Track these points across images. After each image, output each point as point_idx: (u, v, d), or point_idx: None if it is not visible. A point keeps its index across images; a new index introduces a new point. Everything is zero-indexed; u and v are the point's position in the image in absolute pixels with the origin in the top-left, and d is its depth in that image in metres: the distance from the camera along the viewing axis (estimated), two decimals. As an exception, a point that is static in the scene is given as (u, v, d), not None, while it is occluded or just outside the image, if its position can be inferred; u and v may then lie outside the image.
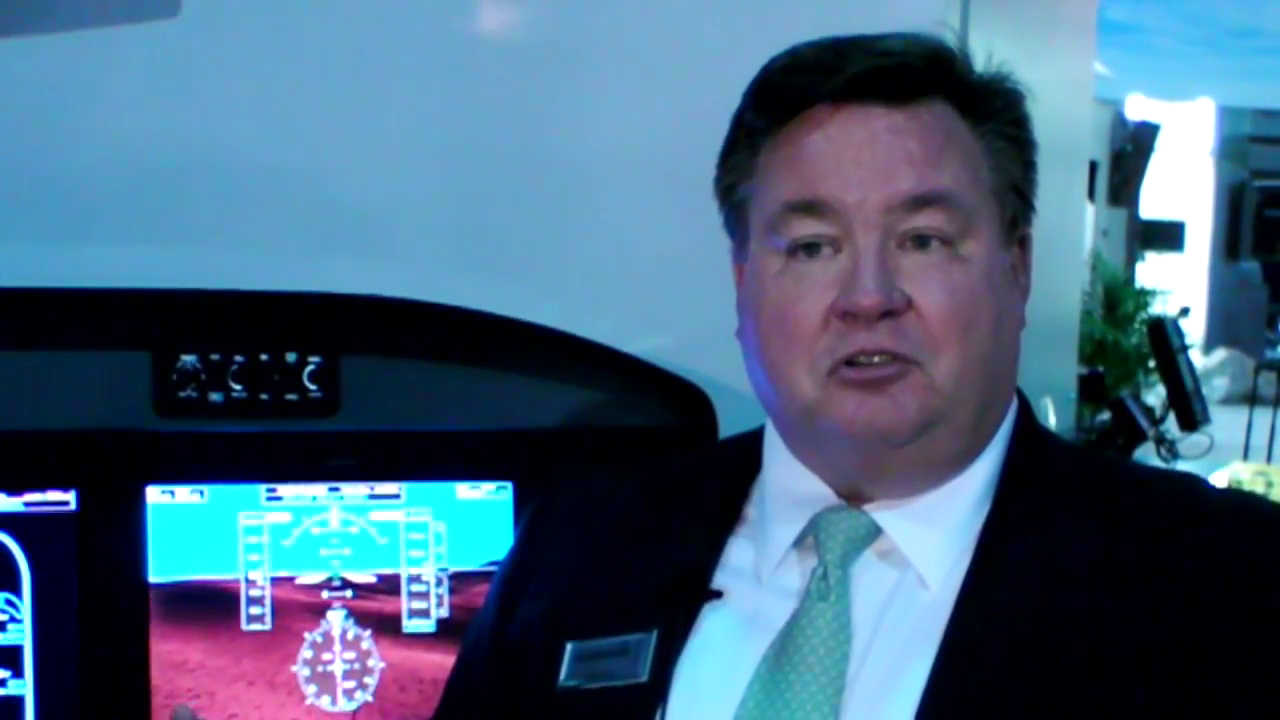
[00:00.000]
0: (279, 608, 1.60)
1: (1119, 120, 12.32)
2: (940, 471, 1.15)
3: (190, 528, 1.58)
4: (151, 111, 1.79)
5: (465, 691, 1.32)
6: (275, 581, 1.60)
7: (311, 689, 1.60)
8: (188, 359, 1.63)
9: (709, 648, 1.15)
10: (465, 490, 1.63)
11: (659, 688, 1.13)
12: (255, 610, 1.59)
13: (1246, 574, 1.09)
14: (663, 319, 1.81)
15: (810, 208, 1.11)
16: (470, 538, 1.63)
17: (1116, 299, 10.05)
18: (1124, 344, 9.41)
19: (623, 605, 1.19)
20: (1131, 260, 13.02)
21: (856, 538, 1.15)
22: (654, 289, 1.82)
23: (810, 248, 1.11)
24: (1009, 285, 1.16)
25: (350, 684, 1.61)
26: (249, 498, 1.60)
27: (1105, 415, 5.14)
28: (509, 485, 1.64)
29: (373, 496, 1.62)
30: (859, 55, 1.11)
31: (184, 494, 1.58)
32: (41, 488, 1.56)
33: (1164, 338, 5.65)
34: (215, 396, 1.64)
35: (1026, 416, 1.21)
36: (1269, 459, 6.95)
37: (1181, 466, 4.81)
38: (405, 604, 1.62)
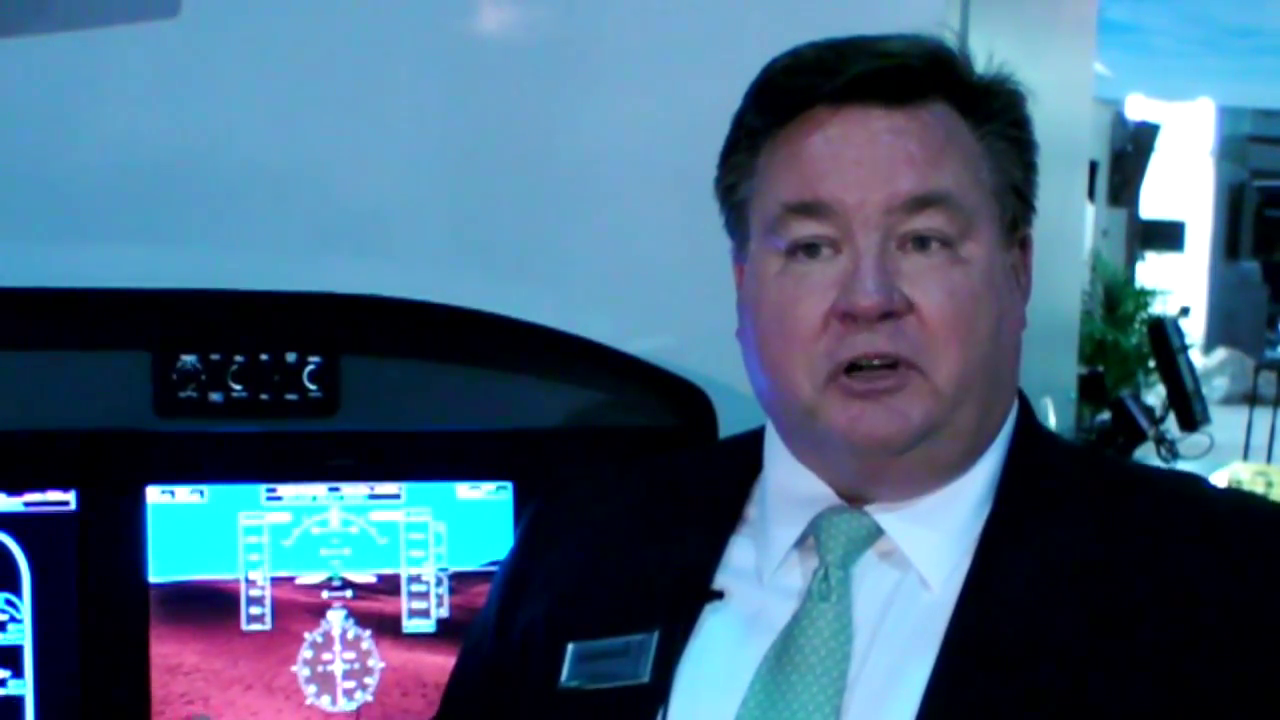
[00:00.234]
0: (279, 608, 1.60)
1: (1119, 120, 12.32)
2: (942, 473, 1.15)
3: (190, 528, 1.58)
4: (151, 111, 1.79)
5: (466, 692, 1.32)
6: (275, 581, 1.60)
7: (311, 689, 1.60)
8: (188, 359, 1.63)
9: (710, 648, 1.15)
10: (465, 490, 1.63)
11: (660, 688, 1.13)
12: (255, 610, 1.59)
13: (1247, 574, 1.09)
14: (663, 319, 1.81)
15: (810, 209, 1.10)
16: (470, 538, 1.63)
17: (1116, 299, 10.05)
18: (1124, 344, 9.41)
19: (624, 606, 1.19)
20: (1131, 260, 13.01)
21: (857, 538, 1.15)
22: (654, 289, 1.82)
23: (810, 249, 1.11)
24: (1010, 286, 1.16)
25: (350, 684, 1.61)
26: (249, 498, 1.60)
27: (1105, 415, 5.14)
28: (509, 485, 1.63)
29: (373, 496, 1.62)
30: (859, 56, 1.11)
31: (184, 494, 1.58)
32: (41, 488, 1.56)
33: (1164, 338, 5.65)
34: (215, 396, 1.64)
35: (1027, 417, 1.21)
36: (1269, 459, 6.95)
37: (1181, 466, 4.81)
38: (405, 604, 1.62)
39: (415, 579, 1.62)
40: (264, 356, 1.65)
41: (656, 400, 1.70)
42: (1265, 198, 15.95)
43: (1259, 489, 4.27)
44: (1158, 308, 10.15)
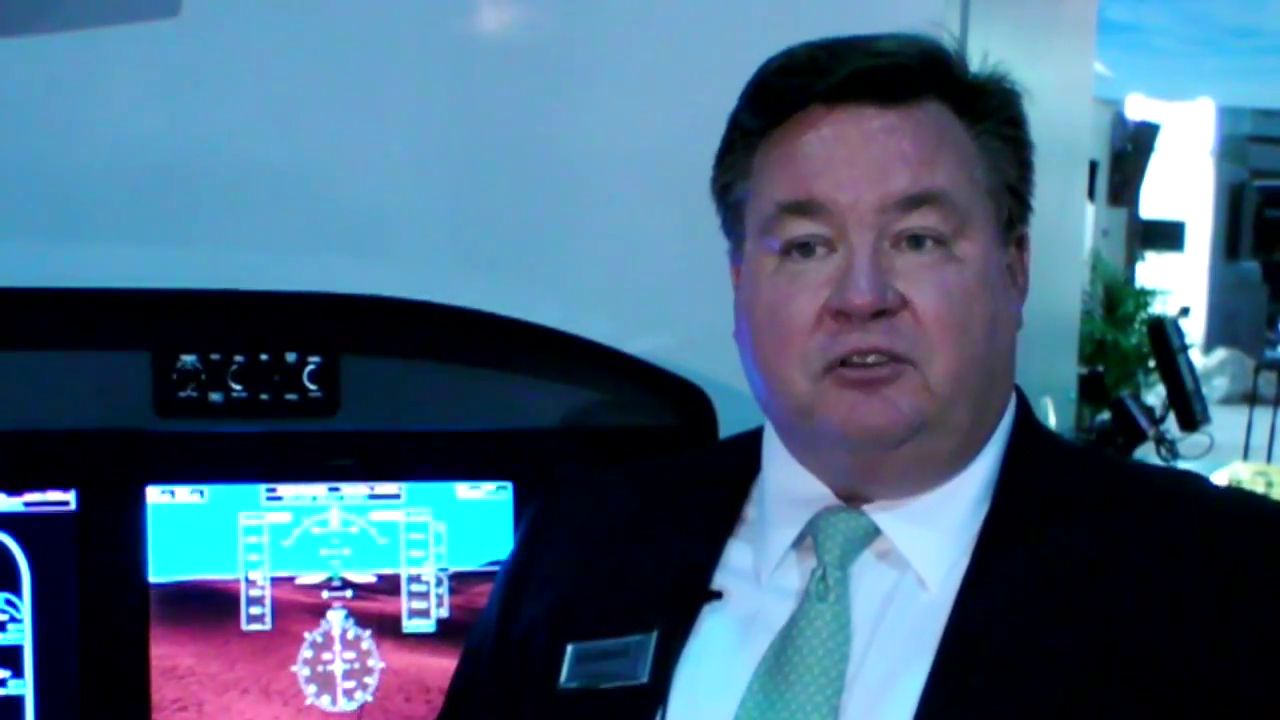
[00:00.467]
0: (279, 608, 1.60)
1: (1119, 120, 12.31)
2: (937, 471, 1.15)
3: (190, 528, 1.58)
4: (151, 111, 1.79)
5: (468, 693, 1.32)
6: (275, 581, 1.60)
7: (311, 689, 1.60)
8: (188, 359, 1.63)
9: (709, 649, 1.15)
10: (465, 490, 1.63)
11: (659, 689, 1.13)
12: (255, 610, 1.59)
13: (1247, 573, 1.09)
14: (662, 319, 1.81)
15: (804, 208, 1.11)
16: (470, 538, 1.63)
17: (1116, 299, 10.04)
18: (1124, 344, 9.40)
19: (623, 606, 1.19)
20: (1131, 260, 13.01)
21: (855, 538, 1.15)
22: (654, 289, 1.82)
23: (804, 248, 1.11)
24: (1005, 285, 1.16)
25: (350, 684, 1.61)
26: (249, 498, 1.60)
27: (1105, 415, 5.14)
28: (509, 485, 1.64)
29: (373, 496, 1.62)
30: (853, 55, 1.11)
31: (184, 494, 1.58)
32: (41, 488, 1.56)
33: (1164, 338, 5.65)
34: (215, 396, 1.64)
35: (1026, 416, 1.21)
36: (1269, 459, 6.94)
37: (1181, 466, 4.81)
38: (405, 604, 1.62)
39: (415, 579, 1.62)
40: (264, 356, 1.65)
41: (656, 400, 1.70)
42: (1265, 198, 15.93)
43: (1259, 489, 4.27)
44: (1158, 308, 10.14)
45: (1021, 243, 1.19)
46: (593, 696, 1.16)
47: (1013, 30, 2.15)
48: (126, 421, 1.61)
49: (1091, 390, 4.96)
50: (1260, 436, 7.22)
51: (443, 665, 1.56)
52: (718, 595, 1.17)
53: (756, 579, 1.18)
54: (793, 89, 1.12)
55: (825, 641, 1.11)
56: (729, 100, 1.19)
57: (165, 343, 1.63)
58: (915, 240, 1.10)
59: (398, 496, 1.62)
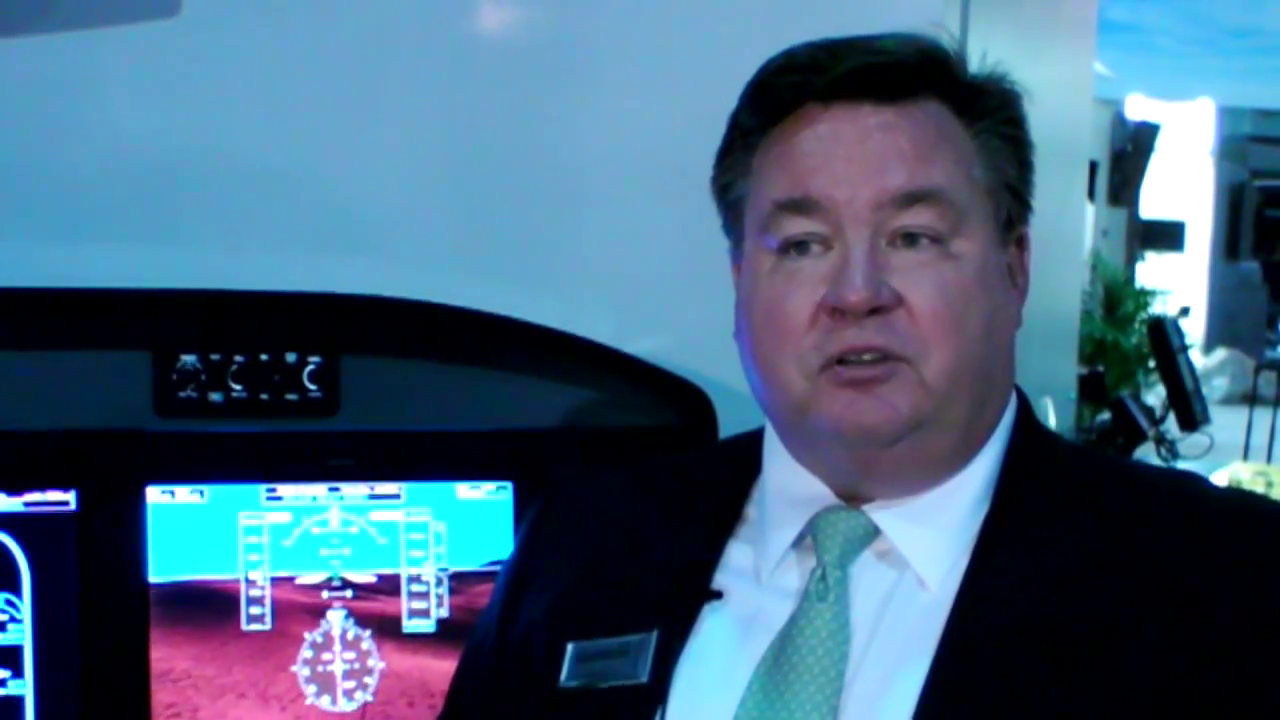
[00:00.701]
0: (279, 608, 1.60)
1: (1119, 120, 12.32)
2: (935, 470, 1.15)
3: (190, 528, 1.58)
4: (151, 111, 1.79)
5: (469, 692, 1.32)
6: (275, 582, 1.60)
7: (311, 689, 1.60)
8: (188, 359, 1.63)
9: (708, 648, 1.15)
10: (465, 490, 1.63)
11: (658, 688, 1.13)
12: (255, 610, 1.59)
13: (1247, 574, 1.09)
14: (662, 319, 1.81)
15: (800, 205, 1.11)
16: (470, 538, 1.63)
17: (1116, 299, 10.04)
18: (1124, 344, 9.40)
19: (623, 606, 1.19)
20: (1131, 260, 13.01)
21: (855, 538, 1.15)
22: (653, 289, 1.82)
23: (801, 246, 1.11)
24: (1003, 284, 1.16)
25: (350, 684, 1.61)
26: (249, 498, 1.60)
27: (1105, 415, 5.14)
28: (509, 485, 1.64)
29: (373, 496, 1.62)
30: (850, 54, 1.11)
31: (184, 494, 1.58)
32: (41, 488, 1.56)
33: (1164, 338, 5.65)
34: (215, 396, 1.64)
35: (1026, 415, 1.21)
36: (1269, 459, 6.94)
37: (1181, 466, 4.81)
38: (405, 604, 1.62)
39: (415, 579, 1.62)
40: (264, 356, 1.65)
41: (656, 400, 1.70)
42: (1265, 198, 15.93)
43: (1259, 489, 4.27)
44: (1158, 308, 10.15)
45: (1021, 242, 1.19)
46: (593, 695, 1.16)
47: (1013, 30, 2.15)
48: (126, 421, 1.61)
49: (1091, 390, 4.96)
50: (1260, 436, 7.22)
51: (443, 665, 1.56)
52: (718, 595, 1.17)
53: (757, 578, 1.18)
54: (790, 87, 1.12)
55: (824, 641, 1.11)
56: (729, 100, 1.19)
57: (165, 343, 1.63)
58: (911, 238, 1.10)
59: (398, 496, 1.62)
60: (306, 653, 1.60)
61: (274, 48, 1.80)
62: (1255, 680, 1.06)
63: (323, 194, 1.82)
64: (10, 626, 1.55)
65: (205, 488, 1.59)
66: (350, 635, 1.61)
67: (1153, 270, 13.15)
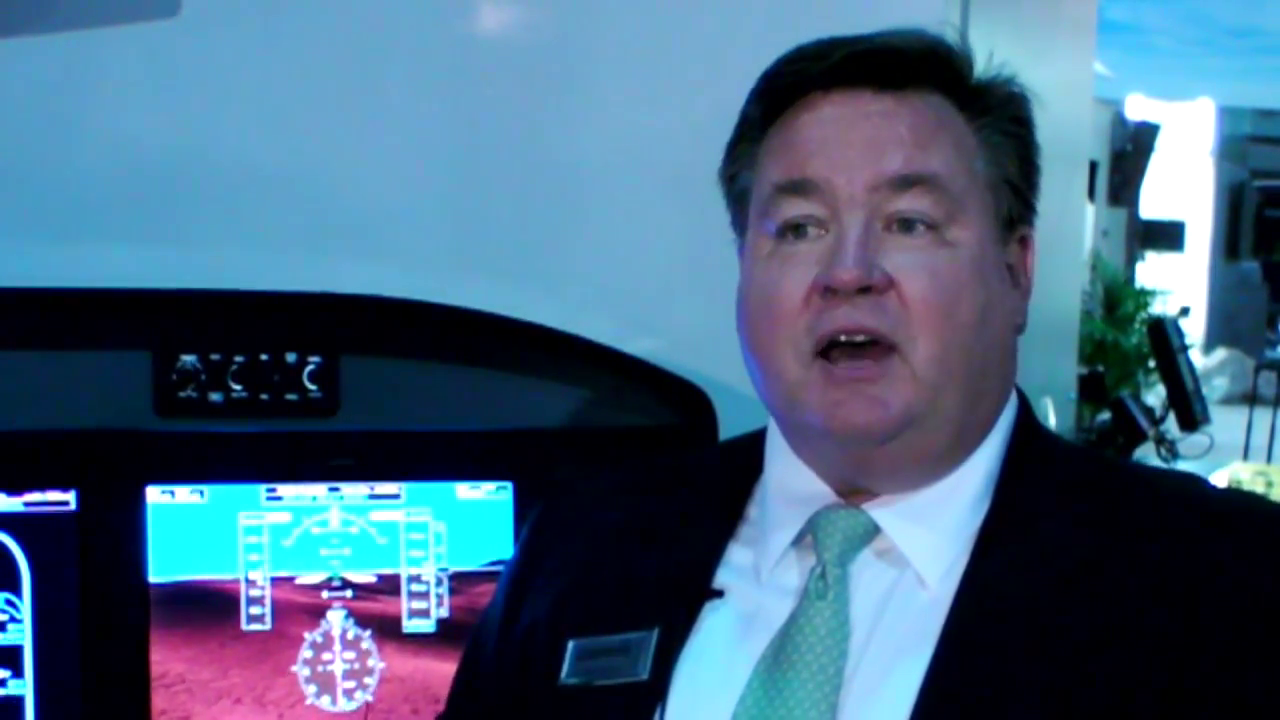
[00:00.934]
0: (279, 608, 1.60)
1: (1119, 120, 12.33)
2: (932, 466, 1.15)
3: (190, 528, 1.58)
4: (151, 111, 1.79)
5: (470, 693, 1.32)
6: (275, 582, 1.60)
7: (311, 689, 1.60)
8: (188, 359, 1.64)
9: (709, 646, 1.15)
10: (465, 490, 1.63)
11: (658, 686, 1.13)
12: (255, 610, 1.59)
13: (1246, 574, 1.09)
14: (662, 319, 1.81)
15: (799, 187, 1.11)
16: (470, 538, 1.63)
17: (1116, 299, 10.05)
18: (1124, 344, 9.41)
19: (624, 603, 1.19)
20: (1131, 260, 13.02)
21: (854, 536, 1.15)
22: (653, 289, 1.82)
23: (799, 229, 1.12)
24: (1001, 280, 1.15)
25: (350, 684, 1.61)
26: (249, 498, 1.60)
27: (1105, 415, 5.14)
28: (509, 485, 1.64)
29: (373, 496, 1.62)
30: (852, 43, 1.13)
31: (184, 494, 1.58)
32: (41, 488, 1.56)
33: (1164, 338, 5.66)
34: (215, 396, 1.64)
35: (1026, 415, 1.21)
36: (1269, 459, 6.95)
37: (1181, 466, 4.81)
38: (405, 604, 1.62)
39: (415, 579, 1.62)
40: (264, 356, 1.65)
41: (656, 400, 1.70)
42: (1265, 198, 15.94)
43: (1259, 489, 4.27)
44: (1158, 308, 10.16)
45: (1025, 242, 1.19)
46: (593, 693, 1.16)
47: (1013, 30, 2.15)
48: (126, 421, 1.61)
49: (1091, 390, 4.96)
50: (1260, 436, 7.23)
51: (443, 666, 1.56)
52: (719, 594, 1.17)
53: (757, 577, 1.18)
54: (792, 75, 1.14)
55: (824, 639, 1.11)
56: (728, 101, 1.19)
57: (165, 343, 1.63)
58: (907, 223, 1.11)
59: (398, 496, 1.62)
60: (306, 653, 1.60)
61: (274, 48, 1.80)
62: (1254, 680, 1.06)
63: (323, 194, 1.82)
64: (10, 626, 1.55)
65: (205, 488, 1.59)
66: (350, 635, 1.61)
67: (1153, 270, 13.16)
